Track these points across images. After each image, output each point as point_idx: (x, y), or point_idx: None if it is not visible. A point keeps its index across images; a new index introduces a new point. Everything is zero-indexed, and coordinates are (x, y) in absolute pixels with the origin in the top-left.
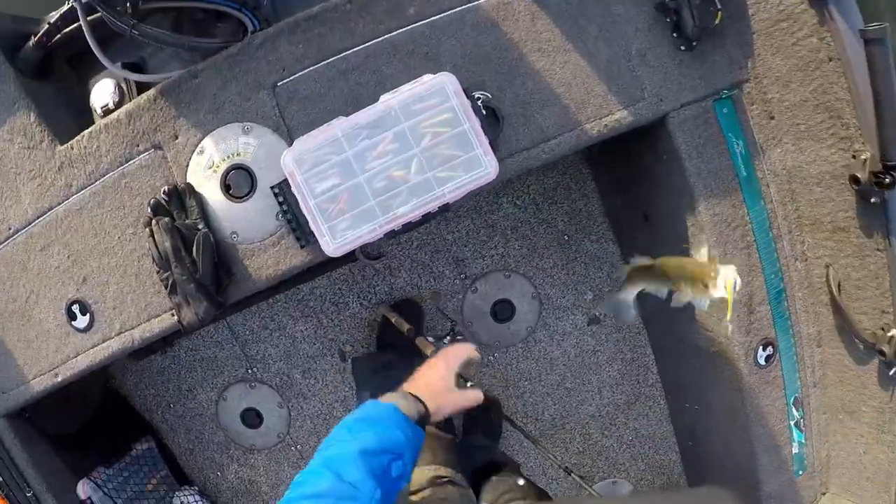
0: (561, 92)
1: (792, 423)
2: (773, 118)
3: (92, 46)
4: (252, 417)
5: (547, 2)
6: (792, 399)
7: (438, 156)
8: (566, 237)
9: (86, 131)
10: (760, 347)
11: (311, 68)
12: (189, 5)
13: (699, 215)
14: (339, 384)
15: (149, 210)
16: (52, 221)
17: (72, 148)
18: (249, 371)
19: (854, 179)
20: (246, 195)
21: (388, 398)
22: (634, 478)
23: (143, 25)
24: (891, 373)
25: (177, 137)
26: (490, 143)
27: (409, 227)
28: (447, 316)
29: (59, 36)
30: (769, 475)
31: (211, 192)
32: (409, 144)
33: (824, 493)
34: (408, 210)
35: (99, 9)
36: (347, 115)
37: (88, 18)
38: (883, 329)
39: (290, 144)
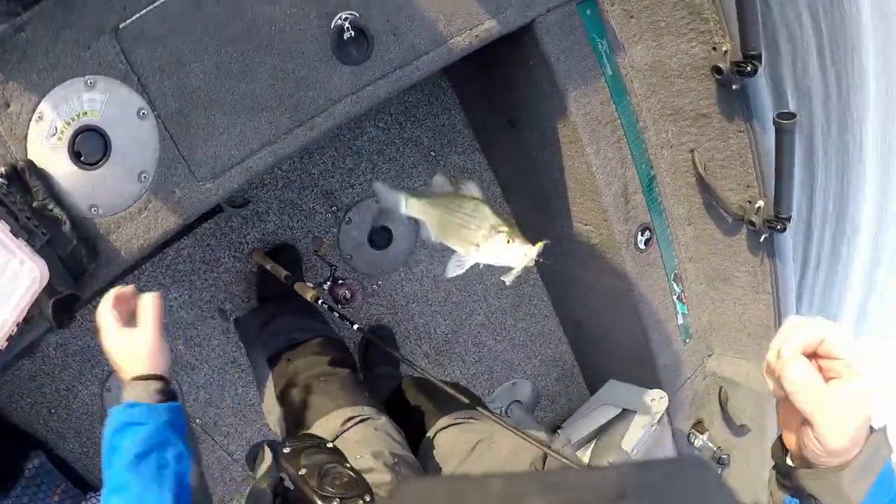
0: (428, 5)
1: (674, 297)
2: (632, 17)
3: None
4: None
5: None
6: (672, 275)
7: None
8: (433, 153)
9: None
10: (639, 233)
11: (158, 2)
12: None
13: (570, 115)
14: (226, 345)
15: None
16: None
17: None
18: None
19: (717, 70)
20: (101, 160)
21: (121, 397)
22: (531, 374)
23: None
24: (761, 239)
25: (8, 106)
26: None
27: None
28: (329, 262)
29: None
30: (661, 347)
31: (59, 163)
32: None
33: (710, 355)
34: None
35: None
36: (206, 45)
37: None
38: (749, 202)
39: (144, 94)
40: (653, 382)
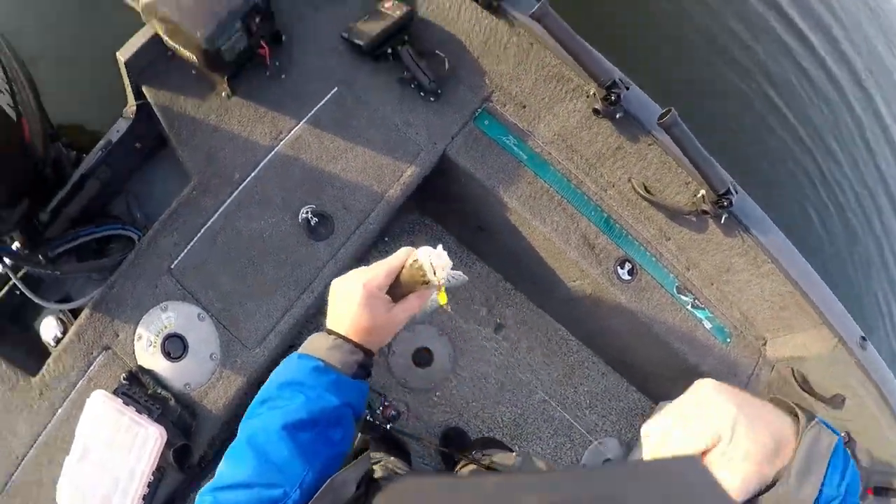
0: (361, 178)
1: (688, 307)
2: (524, 106)
3: (29, 296)
4: None
5: (323, 122)
6: (674, 289)
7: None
8: None
9: (49, 359)
10: (618, 267)
11: (189, 246)
12: (85, 240)
13: (508, 204)
14: None
15: (121, 397)
16: (44, 442)
17: (44, 376)
18: None
19: (595, 111)
20: (183, 353)
21: (316, 347)
22: (613, 430)
23: (63, 266)
24: (722, 221)
25: (118, 335)
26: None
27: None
28: (377, 392)
29: None
30: (700, 357)
31: (158, 362)
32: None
33: (764, 343)
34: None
35: (25, 265)
36: (226, 263)
37: (18, 276)
38: (695, 195)
39: (198, 304)
40: None
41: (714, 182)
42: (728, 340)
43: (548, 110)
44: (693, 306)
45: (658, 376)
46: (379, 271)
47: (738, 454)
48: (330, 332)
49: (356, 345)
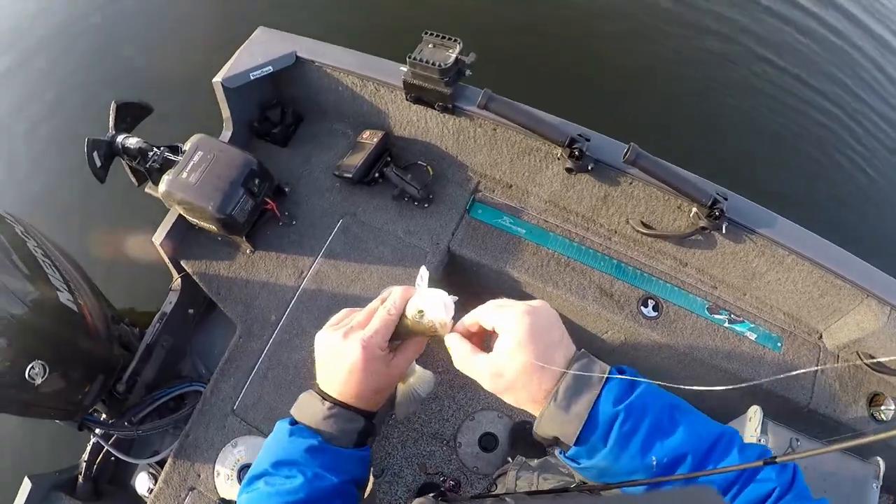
0: (380, 291)
1: (726, 325)
2: (510, 186)
3: (122, 457)
4: None
5: (336, 252)
6: (706, 311)
7: None
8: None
9: None
10: (641, 307)
11: (245, 387)
12: (157, 404)
13: (519, 278)
14: None
15: None
16: None
17: None
18: None
19: (569, 170)
20: None
21: (309, 415)
22: None
23: (144, 425)
24: (724, 231)
25: (199, 475)
26: None
27: None
28: (439, 473)
29: (95, 465)
30: (753, 371)
31: (237, 493)
32: None
33: (820, 336)
34: None
35: (113, 432)
36: (280, 393)
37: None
38: (689, 214)
39: (263, 434)
40: (777, 403)
41: (698, 196)
42: (780, 345)
43: (531, 182)
44: (731, 322)
45: (722, 401)
46: (378, 326)
47: (502, 350)
48: (324, 397)
49: (355, 410)
